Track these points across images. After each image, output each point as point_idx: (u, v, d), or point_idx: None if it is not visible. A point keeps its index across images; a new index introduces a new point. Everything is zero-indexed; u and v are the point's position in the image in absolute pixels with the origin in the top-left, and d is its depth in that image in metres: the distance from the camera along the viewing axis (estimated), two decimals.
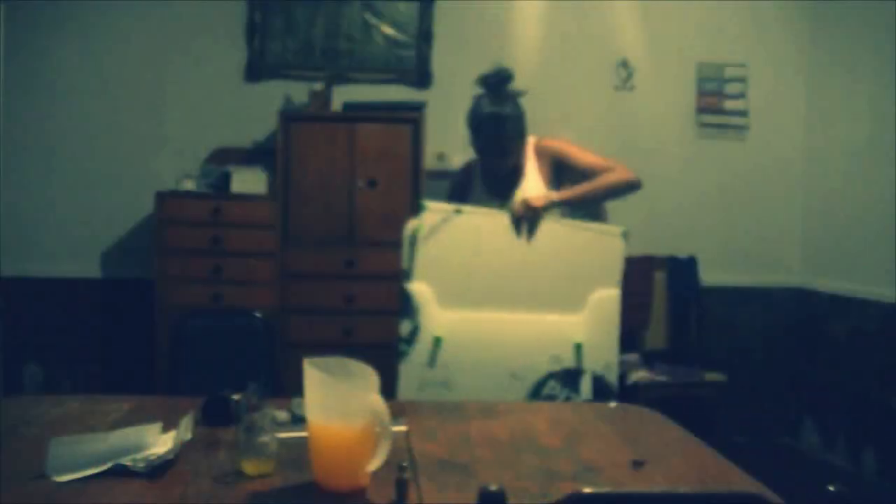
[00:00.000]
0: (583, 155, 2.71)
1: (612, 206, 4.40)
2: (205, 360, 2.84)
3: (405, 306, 2.55)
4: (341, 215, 4.08)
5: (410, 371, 2.52)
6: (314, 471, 1.57)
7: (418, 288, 2.55)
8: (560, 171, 2.71)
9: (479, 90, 2.70)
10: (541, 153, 2.72)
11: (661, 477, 1.68)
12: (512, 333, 2.55)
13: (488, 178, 2.77)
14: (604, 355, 2.55)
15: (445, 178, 4.02)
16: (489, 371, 2.51)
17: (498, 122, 2.62)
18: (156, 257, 4.00)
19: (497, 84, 2.66)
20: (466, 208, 2.59)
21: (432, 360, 2.52)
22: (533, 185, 2.70)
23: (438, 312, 2.54)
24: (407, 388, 2.49)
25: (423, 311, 2.54)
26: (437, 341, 2.52)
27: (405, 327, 2.54)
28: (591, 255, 2.59)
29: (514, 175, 2.72)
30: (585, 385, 2.52)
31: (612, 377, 2.55)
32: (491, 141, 2.65)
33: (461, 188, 2.84)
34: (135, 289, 4.33)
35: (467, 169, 2.88)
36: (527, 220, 2.56)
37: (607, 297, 2.57)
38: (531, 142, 2.75)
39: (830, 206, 4.58)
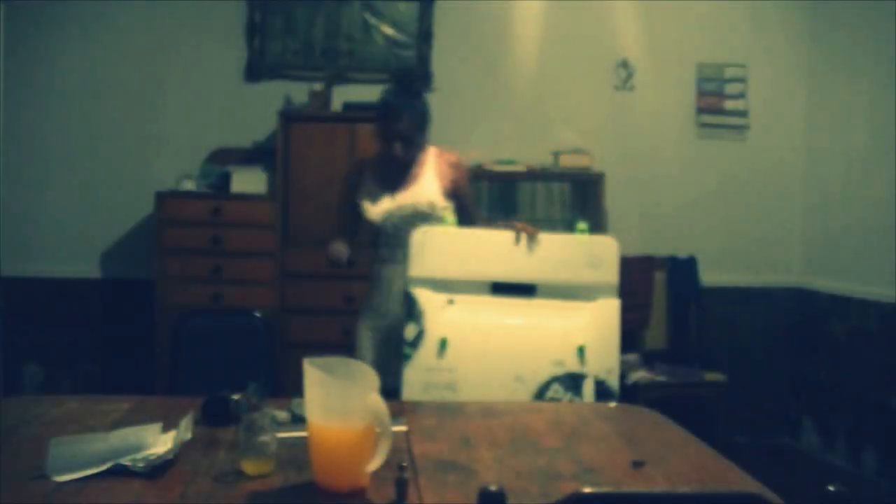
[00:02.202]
0: (469, 191, 2.88)
1: (612, 206, 4.47)
2: (205, 360, 2.83)
3: (410, 310, 2.55)
4: None
5: (415, 374, 2.52)
6: (314, 471, 1.57)
7: (423, 292, 2.56)
8: (454, 188, 2.83)
9: (390, 85, 2.82)
10: (446, 162, 2.82)
11: (661, 477, 1.68)
12: (516, 336, 2.56)
13: (383, 167, 2.80)
14: (606, 360, 2.57)
15: None
16: (494, 374, 2.52)
17: (398, 111, 2.71)
18: (156, 257, 4.01)
19: (403, 79, 2.84)
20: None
21: (438, 362, 2.52)
22: (429, 185, 2.77)
23: (443, 315, 2.55)
24: (411, 390, 2.49)
25: (428, 315, 2.54)
26: (443, 342, 2.53)
27: (411, 331, 2.55)
28: (589, 256, 2.61)
29: (407, 170, 2.79)
30: (588, 389, 2.53)
31: (614, 382, 2.57)
32: (392, 129, 2.72)
33: (353, 189, 2.87)
34: (135, 289, 4.33)
35: (356, 168, 2.94)
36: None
37: (607, 304, 2.60)
38: (433, 150, 2.83)
39: (830, 206, 4.58)
